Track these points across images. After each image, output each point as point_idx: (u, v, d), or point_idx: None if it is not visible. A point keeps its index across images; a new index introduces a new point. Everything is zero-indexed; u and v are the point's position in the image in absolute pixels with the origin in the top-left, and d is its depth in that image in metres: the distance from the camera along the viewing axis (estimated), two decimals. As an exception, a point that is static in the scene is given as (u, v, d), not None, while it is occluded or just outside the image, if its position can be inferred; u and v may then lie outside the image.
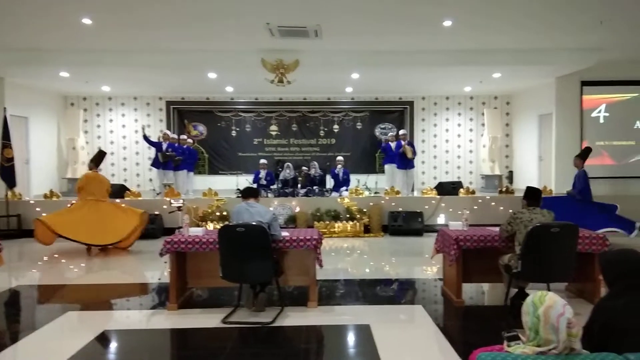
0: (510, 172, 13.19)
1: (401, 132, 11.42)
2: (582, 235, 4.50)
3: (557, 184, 10.21)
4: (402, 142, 10.92)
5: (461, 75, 10.81)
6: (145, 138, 10.87)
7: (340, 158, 11.19)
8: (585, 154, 8.15)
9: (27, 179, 11.26)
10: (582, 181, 7.82)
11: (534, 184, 11.04)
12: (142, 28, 7.71)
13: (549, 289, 4.37)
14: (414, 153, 11.02)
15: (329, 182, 10.96)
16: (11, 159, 9.11)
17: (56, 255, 7.42)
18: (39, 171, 11.72)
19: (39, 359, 3.62)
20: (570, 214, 6.52)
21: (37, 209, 9.08)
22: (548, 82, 10.87)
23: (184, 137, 11.64)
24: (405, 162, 10.90)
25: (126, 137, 13.46)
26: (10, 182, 9.14)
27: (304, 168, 10.93)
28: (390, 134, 12.19)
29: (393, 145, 11.19)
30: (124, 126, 13.45)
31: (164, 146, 10.71)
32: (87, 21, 7.28)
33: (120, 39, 8.34)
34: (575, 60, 9.36)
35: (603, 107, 10.50)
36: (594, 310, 2.19)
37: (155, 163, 10.79)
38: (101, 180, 7.85)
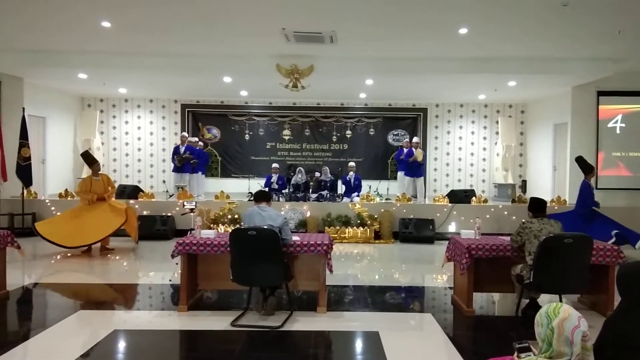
0: (524, 182, 13.06)
1: (414, 139, 11.41)
2: (595, 247, 4.44)
3: (571, 194, 10.08)
4: (414, 150, 10.90)
5: (476, 83, 10.76)
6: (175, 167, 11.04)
7: (352, 164, 11.18)
8: (583, 167, 7.84)
9: (43, 178, 11.45)
10: (583, 193, 7.66)
11: (548, 194, 10.99)
12: (159, 31, 7.80)
13: (561, 300, 4.31)
14: (423, 157, 11.02)
15: (341, 188, 10.96)
16: (28, 158, 9.24)
17: (69, 255, 7.50)
18: (55, 171, 11.90)
19: (49, 357, 3.66)
20: (577, 227, 6.41)
21: (52, 208, 9.22)
22: (564, 91, 10.78)
23: (195, 139, 11.76)
24: (413, 170, 10.87)
25: (141, 139, 13.60)
26: (27, 181, 9.26)
27: (316, 173, 10.95)
28: (405, 140, 12.20)
29: (406, 151, 11.18)
30: (139, 128, 13.60)
31: (182, 149, 10.86)
32: (106, 24, 7.39)
33: (138, 42, 8.45)
34: (592, 70, 9.27)
35: (619, 117, 10.38)
36: (605, 324, 2.16)
37: (175, 167, 10.95)
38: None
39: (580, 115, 10.47)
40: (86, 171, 12.31)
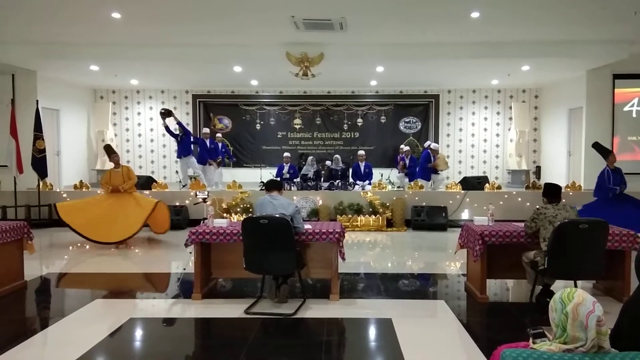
0: (538, 167, 12.92)
1: (433, 145, 10.52)
2: (611, 232, 4.38)
3: (587, 179, 9.95)
4: (430, 154, 10.30)
5: (488, 68, 10.62)
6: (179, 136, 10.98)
7: (361, 152, 11.09)
8: (601, 152, 7.73)
9: (58, 170, 11.60)
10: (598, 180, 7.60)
11: (563, 180, 10.86)
12: (169, 22, 7.81)
13: (576, 286, 4.27)
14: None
15: (351, 176, 10.89)
16: (43, 150, 9.33)
17: (86, 245, 7.60)
18: (69, 162, 12.04)
19: (67, 345, 3.72)
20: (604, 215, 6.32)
21: (68, 199, 9.32)
22: (578, 75, 10.59)
23: (206, 130, 11.72)
24: (429, 174, 10.31)
25: (153, 130, 13.69)
26: (42, 173, 9.37)
27: (327, 162, 10.93)
28: (407, 148, 11.34)
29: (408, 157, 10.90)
30: (151, 119, 13.68)
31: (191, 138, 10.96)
32: (116, 15, 7.41)
33: (149, 33, 8.47)
34: (607, 53, 9.10)
35: (636, 100, 10.19)
36: (623, 309, 2.13)
37: (178, 153, 10.97)
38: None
39: (596, 100, 10.30)
40: (101, 162, 12.49)
